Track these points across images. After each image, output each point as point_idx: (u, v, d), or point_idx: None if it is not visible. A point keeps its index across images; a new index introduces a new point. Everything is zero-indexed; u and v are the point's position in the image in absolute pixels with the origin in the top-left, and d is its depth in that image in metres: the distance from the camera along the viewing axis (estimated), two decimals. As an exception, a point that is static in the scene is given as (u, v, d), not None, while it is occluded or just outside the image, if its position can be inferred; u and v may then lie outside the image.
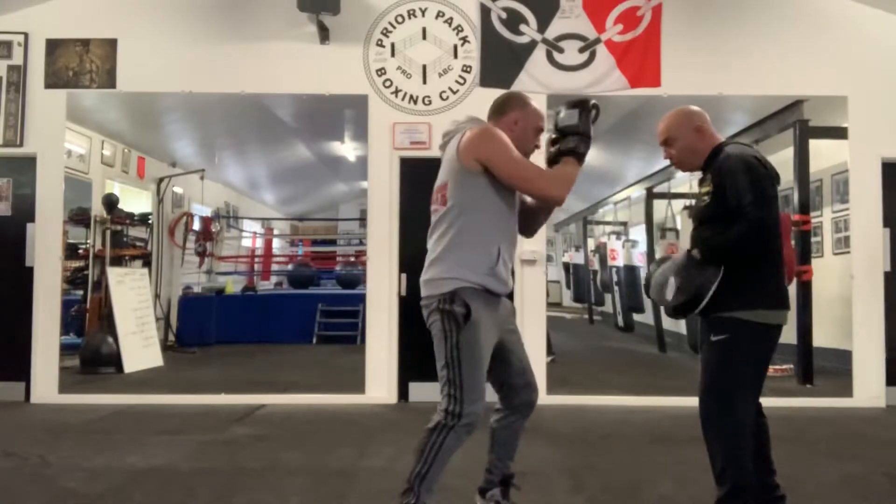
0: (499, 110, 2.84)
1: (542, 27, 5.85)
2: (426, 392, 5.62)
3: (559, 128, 2.76)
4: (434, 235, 2.72)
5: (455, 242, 2.64)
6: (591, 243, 13.49)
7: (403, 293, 5.63)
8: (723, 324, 2.72)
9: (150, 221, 9.05)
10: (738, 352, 2.69)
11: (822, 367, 6.49)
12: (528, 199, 2.88)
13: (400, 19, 5.93)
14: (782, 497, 2.86)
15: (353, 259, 13.02)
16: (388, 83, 5.91)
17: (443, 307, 2.61)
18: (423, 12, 5.93)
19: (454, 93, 5.90)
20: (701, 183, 2.88)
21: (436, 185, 2.76)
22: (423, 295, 2.70)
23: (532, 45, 5.86)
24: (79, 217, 7.76)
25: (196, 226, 10.31)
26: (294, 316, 10.29)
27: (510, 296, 2.86)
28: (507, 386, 2.88)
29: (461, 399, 2.59)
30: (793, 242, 6.44)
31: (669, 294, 2.79)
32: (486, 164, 2.61)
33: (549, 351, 7.62)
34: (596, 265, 12.71)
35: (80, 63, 5.87)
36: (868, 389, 5.72)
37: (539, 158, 2.83)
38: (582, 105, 2.76)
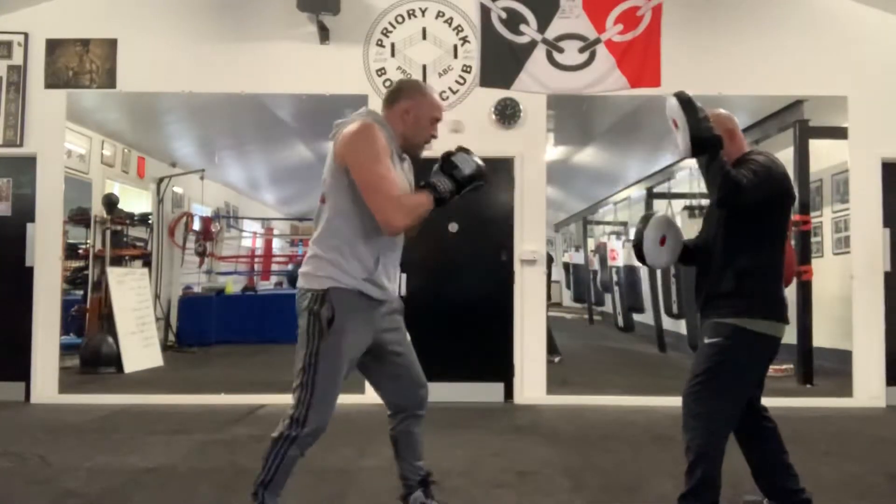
0: (390, 99, 2.73)
1: (542, 27, 5.85)
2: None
3: (448, 164, 2.66)
4: (315, 232, 2.65)
5: (331, 244, 2.57)
6: (591, 243, 13.49)
7: (404, 293, 5.63)
8: (717, 328, 2.77)
9: (150, 221, 9.05)
10: (726, 356, 2.73)
11: (822, 367, 6.49)
12: None
13: (400, 19, 5.93)
14: (808, 500, 2.87)
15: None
16: (388, 83, 5.90)
17: (311, 307, 2.54)
18: (423, 12, 5.93)
19: (454, 93, 5.90)
20: None
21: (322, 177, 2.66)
22: (298, 286, 2.63)
23: (532, 45, 5.86)
24: (79, 217, 7.75)
25: (196, 226, 10.29)
26: (294, 316, 10.22)
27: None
28: (392, 386, 2.77)
29: (309, 406, 2.53)
30: (793, 242, 6.43)
31: (671, 252, 2.90)
32: (347, 166, 2.51)
33: (556, 351, 7.65)
34: (596, 265, 12.71)
35: (80, 63, 5.88)
36: (868, 389, 5.73)
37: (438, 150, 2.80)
38: (479, 165, 2.68)
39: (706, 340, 2.80)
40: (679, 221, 8.74)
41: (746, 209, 2.74)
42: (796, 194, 2.91)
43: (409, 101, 2.69)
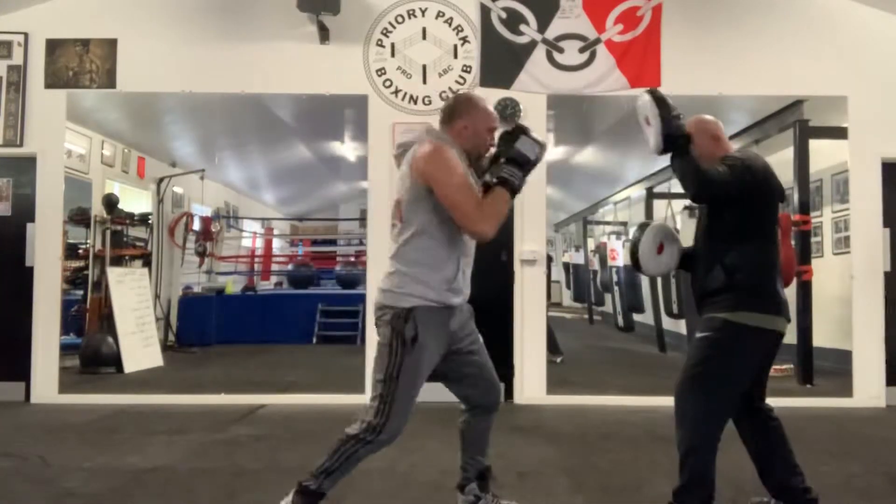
0: (447, 118, 2.83)
1: (542, 27, 5.85)
2: (426, 392, 5.59)
3: (510, 153, 2.69)
4: (393, 249, 2.74)
5: (413, 259, 2.66)
6: (591, 243, 13.49)
7: (403, 293, 5.63)
8: (709, 323, 2.79)
9: (150, 221, 9.05)
10: (718, 349, 2.75)
11: (822, 367, 6.49)
12: None
13: (400, 19, 5.93)
14: (814, 500, 2.87)
15: (353, 259, 13.02)
16: (388, 83, 5.91)
17: (395, 325, 2.63)
18: (423, 12, 5.93)
19: (454, 93, 5.89)
20: None
21: (395, 197, 2.75)
22: (379, 302, 2.71)
23: (532, 45, 5.86)
24: (79, 217, 7.76)
25: (196, 226, 10.30)
26: (294, 316, 10.29)
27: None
28: (469, 384, 2.91)
29: (388, 417, 2.63)
30: (793, 242, 6.43)
31: (669, 260, 2.92)
32: (430, 186, 2.60)
33: (558, 351, 7.65)
34: (596, 265, 12.71)
35: (80, 63, 5.87)
36: (868, 389, 5.73)
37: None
38: (541, 145, 2.73)
39: (697, 335, 2.84)
40: (679, 222, 8.75)
41: (727, 205, 2.77)
42: (781, 188, 2.90)
43: (466, 119, 2.79)
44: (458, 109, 2.83)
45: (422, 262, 2.65)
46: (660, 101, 2.72)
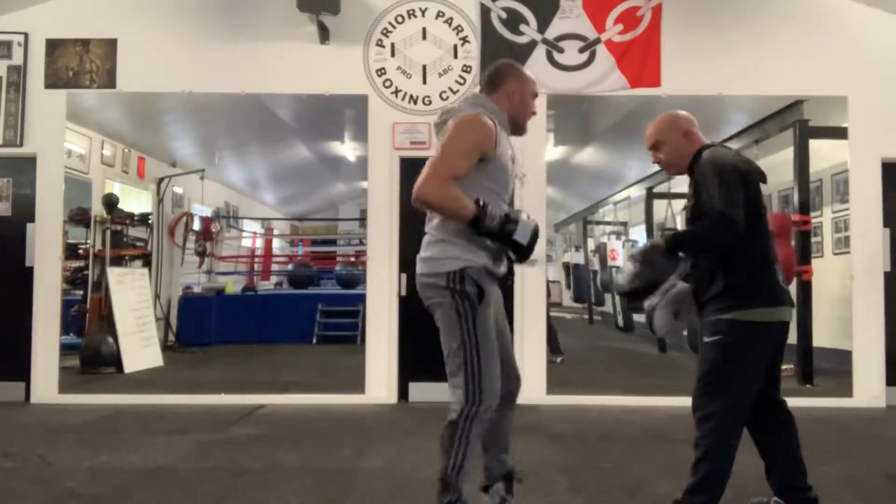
0: (493, 83, 2.84)
1: (542, 27, 5.85)
2: (426, 392, 5.62)
3: (507, 223, 2.60)
4: (434, 220, 2.70)
5: (456, 229, 2.61)
6: (591, 243, 13.49)
7: (404, 293, 5.63)
8: (714, 325, 2.77)
9: (150, 221, 9.04)
10: (727, 352, 2.73)
11: (822, 367, 6.49)
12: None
13: (400, 19, 5.93)
14: (815, 499, 2.86)
15: (353, 259, 13.02)
16: (388, 83, 5.91)
17: (454, 286, 2.57)
18: (423, 12, 5.93)
19: (454, 93, 5.90)
20: (690, 185, 2.94)
21: None
22: (423, 272, 2.65)
23: (532, 45, 5.86)
24: (79, 217, 7.75)
25: (196, 226, 10.30)
26: (294, 316, 10.29)
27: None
28: None
29: (481, 380, 2.56)
30: (793, 242, 6.44)
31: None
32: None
33: (558, 351, 7.64)
34: (596, 265, 12.70)
35: (80, 63, 5.87)
36: (868, 389, 5.72)
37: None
38: (525, 249, 2.65)
39: (705, 339, 2.81)
40: (679, 222, 8.75)
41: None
42: (760, 171, 2.85)
43: (514, 83, 2.82)
44: (505, 75, 2.85)
45: (463, 230, 2.60)
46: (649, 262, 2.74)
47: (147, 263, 8.67)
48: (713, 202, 2.66)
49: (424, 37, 5.93)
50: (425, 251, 2.69)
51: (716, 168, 2.72)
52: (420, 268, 2.69)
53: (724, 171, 2.71)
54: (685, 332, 2.85)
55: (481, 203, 2.57)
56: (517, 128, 2.85)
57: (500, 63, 3.00)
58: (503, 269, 2.72)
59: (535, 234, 2.66)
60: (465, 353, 2.57)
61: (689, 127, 2.95)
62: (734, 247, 2.68)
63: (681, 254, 2.80)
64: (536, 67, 5.84)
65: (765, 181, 2.87)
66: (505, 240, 2.62)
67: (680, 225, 8.72)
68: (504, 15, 5.86)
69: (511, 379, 2.79)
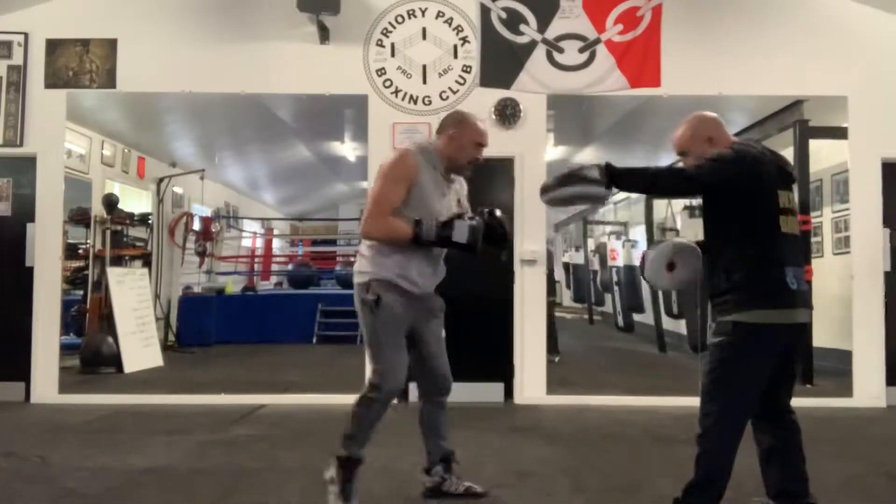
0: (440, 127, 3.28)
1: (542, 27, 5.85)
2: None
3: (443, 229, 3.02)
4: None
5: (372, 246, 3.11)
6: (591, 243, 13.49)
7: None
8: (719, 327, 2.75)
9: (150, 221, 9.05)
10: (730, 353, 2.71)
11: (822, 367, 6.49)
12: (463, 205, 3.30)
13: (400, 19, 5.93)
14: None
15: (353, 259, 12.98)
16: (388, 83, 5.91)
17: (361, 297, 3.07)
18: (423, 12, 5.93)
19: (454, 93, 5.90)
20: None
21: None
22: (354, 284, 3.17)
23: (532, 45, 5.86)
24: (79, 217, 7.76)
25: (196, 226, 10.30)
26: (294, 316, 10.29)
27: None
28: (419, 372, 3.26)
29: (380, 372, 3.03)
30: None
31: (684, 275, 2.92)
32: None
33: (556, 350, 7.64)
34: (596, 265, 12.71)
35: (80, 63, 5.87)
36: (868, 389, 5.72)
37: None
38: (467, 245, 3.05)
39: (711, 340, 2.79)
40: (679, 221, 8.76)
41: (714, 203, 2.75)
42: (787, 172, 2.82)
43: (453, 129, 3.21)
44: (448, 121, 3.26)
45: (377, 248, 3.09)
46: (564, 179, 2.72)
47: (147, 263, 8.68)
48: (690, 166, 2.73)
49: (424, 37, 5.93)
50: (355, 267, 3.20)
51: (714, 155, 2.72)
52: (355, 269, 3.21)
53: (724, 154, 2.71)
54: (680, 287, 2.85)
55: (416, 221, 3.00)
56: (455, 169, 3.22)
57: (453, 111, 3.45)
58: (417, 286, 3.10)
59: (473, 231, 3.04)
60: (372, 350, 3.07)
61: (711, 132, 2.88)
62: (680, 190, 2.77)
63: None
64: (536, 67, 5.86)
65: (792, 181, 2.83)
66: (445, 243, 3.06)
67: (679, 224, 8.73)
68: (504, 15, 5.86)
69: (437, 382, 3.26)
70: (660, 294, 9.27)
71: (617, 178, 2.68)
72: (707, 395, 2.75)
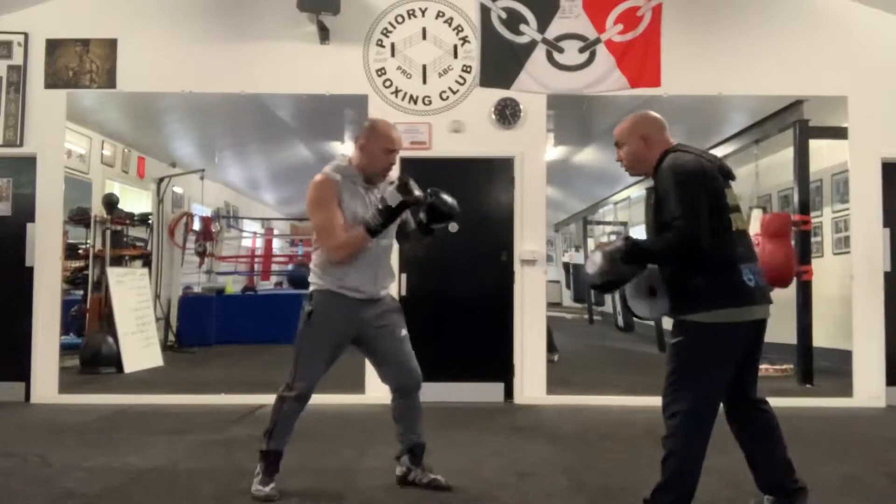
0: (354, 140, 3.38)
1: (542, 27, 5.85)
2: (426, 392, 5.59)
3: (380, 210, 3.18)
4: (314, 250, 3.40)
5: (316, 260, 3.35)
6: (591, 243, 13.49)
7: (404, 293, 5.63)
8: (678, 326, 2.79)
9: (150, 221, 9.04)
10: (689, 353, 2.75)
11: (822, 367, 6.49)
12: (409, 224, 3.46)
13: (400, 19, 5.93)
14: (802, 489, 2.86)
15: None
16: (388, 83, 5.91)
17: (304, 304, 3.32)
18: (423, 12, 5.93)
19: (454, 93, 5.90)
20: (650, 189, 2.91)
21: None
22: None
23: (532, 45, 5.86)
24: (79, 217, 7.75)
25: (196, 226, 10.29)
26: (294, 316, 10.14)
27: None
28: (384, 369, 3.44)
29: (295, 376, 3.29)
30: (793, 242, 6.43)
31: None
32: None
33: (554, 350, 7.63)
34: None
35: (80, 63, 5.87)
36: (868, 389, 5.72)
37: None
38: (407, 195, 3.15)
39: (670, 341, 2.84)
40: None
41: (665, 208, 2.71)
42: (724, 168, 2.85)
43: (363, 139, 3.31)
44: (361, 131, 3.37)
45: (321, 262, 3.31)
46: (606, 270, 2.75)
47: (147, 263, 8.67)
48: (675, 214, 2.65)
49: (424, 37, 5.93)
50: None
51: (675, 176, 2.70)
52: None
53: (683, 180, 2.69)
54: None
55: (364, 223, 3.19)
56: (371, 176, 3.32)
57: (366, 120, 3.53)
58: (363, 292, 3.28)
59: (403, 189, 3.14)
60: (295, 354, 3.32)
61: (649, 131, 2.90)
62: (696, 247, 2.66)
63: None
64: (536, 67, 5.86)
65: (731, 178, 2.86)
66: (392, 214, 3.18)
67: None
68: (504, 15, 5.86)
69: (405, 375, 3.40)
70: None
71: (634, 258, 2.73)
72: (670, 395, 2.78)
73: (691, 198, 2.66)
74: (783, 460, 2.87)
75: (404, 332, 3.43)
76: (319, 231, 3.25)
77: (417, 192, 3.19)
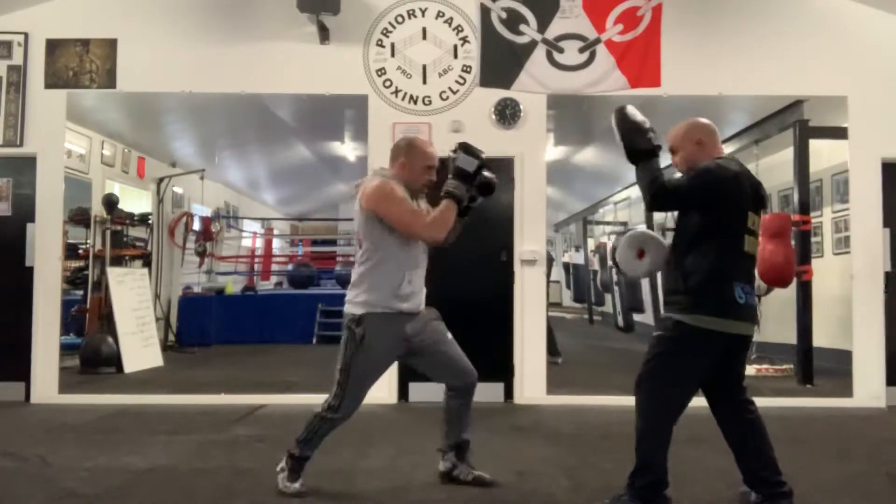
0: (392, 157, 3.42)
1: (542, 27, 5.85)
2: (426, 392, 5.60)
3: (453, 168, 3.23)
4: (355, 268, 3.36)
5: (368, 273, 3.28)
6: (591, 243, 13.49)
7: (403, 293, 5.63)
8: (662, 322, 2.97)
9: (150, 221, 9.04)
10: (666, 348, 2.92)
11: (822, 367, 6.49)
12: None
13: (400, 19, 5.93)
14: (787, 493, 2.93)
15: (353, 259, 12.98)
16: (388, 83, 5.91)
17: (350, 325, 3.24)
18: (423, 12, 5.93)
19: (454, 93, 5.90)
20: None
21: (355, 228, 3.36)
22: (344, 310, 3.33)
23: (532, 45, 5.86)
24: (79, 217, 7.75)
25: (196, 226, 10.29)
26: (294, 316, 10.28)
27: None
28: (441, 373, 3.43)
29: (342, 399, 3.26)
30: (793, 242, 6.43)
31: (641, 268, 3.15)
32: (379, 215, 3.21)
33: (556, 353, 7.63)
34: (596, 265, 12.70)
35: (80, 63, 5.87)
36: (868, 389, 5.72)
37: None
38: (477, 157, 3.25)
39: (654, 333, 3.00)
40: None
41: (690, 212, 2.92)
42: (760, 196, 3.01)
43: (403, 157, 3.36)
44: (398, 150, 3.41)
45: (372, 275, 3.25)
46: (621, 118, 3.03)
47: (147, 263, 8.67)
48: (680, 183, 2.91)
49: (424, 37, 5.93)
50: (348, 293, 3.34)
51: (706, 173, 2.88)
52: (345, 306, 3.34)
53: (706, 179, 2.87)
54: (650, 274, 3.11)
55: (447, 192, 3.21)
56: (413, 193, 3.35)
57: (399, 140, 3.52)
58: (411, 302, 3.29)
59: (474, 154, 3.25)
60: (341, 376, 3.26)
61: (702, 136, 3.03)
62: (655, 205, 2.93)
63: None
64: (536, 67, 5.86)
65: (763, 207, 3.02)
66: (471, 179, 3.24)
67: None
68: (504, 15, 5.86)
69: (462, 375, 3.40)
70: (659, 294, 9.26)
71: (638, 156, 2.94)
72: (640, 384, 2.95)
73: (692, 189, 2.87)
74: (770, 459, 2.97)
75: (449, 335, 3.47)
76: (405, 217, 3.20)
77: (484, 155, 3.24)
